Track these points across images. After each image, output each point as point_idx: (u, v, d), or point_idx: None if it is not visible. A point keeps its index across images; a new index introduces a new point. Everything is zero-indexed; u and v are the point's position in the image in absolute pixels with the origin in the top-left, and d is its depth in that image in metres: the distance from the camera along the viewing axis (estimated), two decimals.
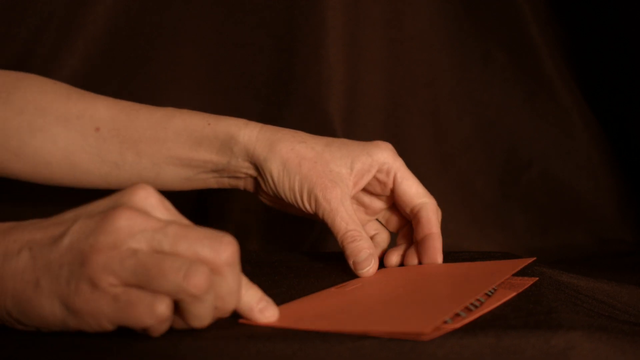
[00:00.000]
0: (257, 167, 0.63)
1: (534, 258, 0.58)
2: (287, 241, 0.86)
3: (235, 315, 0.47)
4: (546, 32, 0.91)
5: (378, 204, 0.67)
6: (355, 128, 0.87)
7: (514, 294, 0.51)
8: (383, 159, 0.63)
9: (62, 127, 0.65)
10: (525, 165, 0.92)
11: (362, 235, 0.60)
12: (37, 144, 0.65)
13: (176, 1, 0.84)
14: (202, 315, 0.42)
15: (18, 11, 0.80)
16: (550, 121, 0.92)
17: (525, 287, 0.53)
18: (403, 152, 0.88)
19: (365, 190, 0.66)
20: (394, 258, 0.64)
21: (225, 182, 0.67)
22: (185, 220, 0.44)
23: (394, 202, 0.66)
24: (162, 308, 0.41)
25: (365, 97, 0.88)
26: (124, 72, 0.83)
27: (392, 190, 0.64)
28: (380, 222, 0.69)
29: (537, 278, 0.55)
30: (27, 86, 0.66)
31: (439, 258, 0.61)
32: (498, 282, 0.53)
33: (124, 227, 0.41)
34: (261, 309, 0.46)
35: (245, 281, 0.46)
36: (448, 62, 0.91)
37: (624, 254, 0.87)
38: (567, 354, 0.41)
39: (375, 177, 0.64)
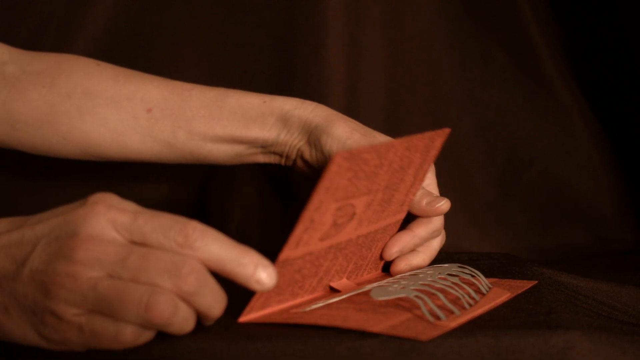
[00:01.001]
0: (310, 135, 0.64)
1: (448, 130, 0.56)
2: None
3: (234, 315, 0.47)
4: (546, 32, 0.91)
5: None
6: None
7: (508, 294, 0.51)
8: None
9: (112, 109, 0.65)
10: (525, 164, 0.92)
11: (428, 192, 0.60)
12: (87, 127, 0.65)
13: (176, 1, 0.84)
14: (178, 331, 0.42)
15: (18, 11, 0.80)
16: (550, 121, 0.92)
17: (524, 289, 0.53)
18: None
19: None
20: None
21: (271, 157, 0.68)
22: (145, 217, 0.42)
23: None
24: (127, 336, 0.41)
25: (365, 97, 0.88)
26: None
27: None
28: None
29: (537, 281, 0.55)
30: (72, 69, 0.66)
31: (388, 250, 0.59)
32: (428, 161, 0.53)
33: (81, 258, 0.40)
34: (257, 279, 0.43)
35: (238, 250, 0.43)
36: (448, 62, 0.91)
37: (624, 254, 0.87)
38: (567, 354, 0.41)
39: None
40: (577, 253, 0.88)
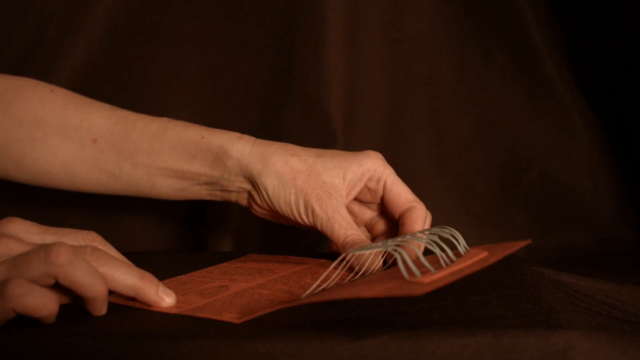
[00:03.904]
0: (252, 181, 0.64)
1: None
2: (285, 244, 0.86)
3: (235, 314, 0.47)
4: (546, 32, 0.91)
5: (368, 213, 0.68)
6: (356, 128, 0.87)
7: (486, 253, 0.52)
8: (374, 167, 0.64)
9: (60, 138, 0.66)
10: (525, 165, 0.92)
11: (361, 238, 0.61)
12: (37, 155, 0.67)
13: (176, 1, 0.84)
14: (87, 280, 0.46)
15: (18, 11, 0.80)
16: (550, 121, 0.92)
17: (517, 247, 0.53)
18: (403, 152, 0.89)
19: (356, 199, 0.67)
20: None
21: (218, 195, 0.68)
22: (51, 235, 0.51)
23: (383, 210, 0.67)
24: (12, 289, 0.44)
25: (365, 97, 0.88)
26: (124, 72, 0.83)
27: (382, 197, 0.65)
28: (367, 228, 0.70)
29: (530, 240, 0.55)
30: (26, 96, 0.67)
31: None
32: None
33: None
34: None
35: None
36: (448, 62, 0.91)
37: (623, 254, 0.87)
38: (567, 354, 0.41)
39: (366, 186, 0.65)
40: (577, 253, 0.88)
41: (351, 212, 0.68)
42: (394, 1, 0.88)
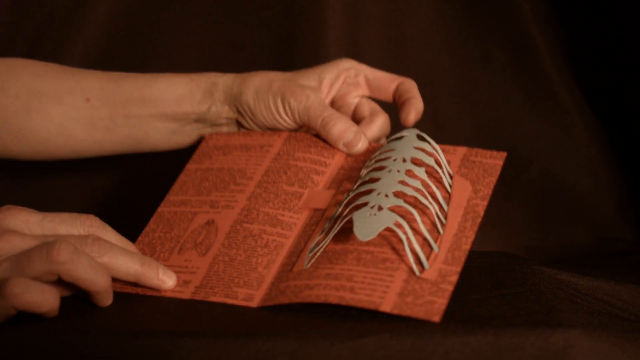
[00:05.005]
0: (236, 105, 0.67)
1: None
2: None
3: (236, 310, 0.47)
4: (546, 32, 0.91)
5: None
6: None
7: (470, 187, 0.55)
8: (349, 65, 0.68)
9: (55, 104, 0.68)
10: (525, 164, 0.92)
11: (340, 116, 0.63)
12: (35, 124, 0.68)
13: (176, 1, 0.84)
14: (89, 276, 0.47)
15: (18, 11, 0.80)
16: (550, 120, 0.92)
17: (497, 168, 0.58)
18: None
19: (340, 106, 0.69)
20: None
21: (208, 133, 0.70)
22: (52, 215, 0.52)
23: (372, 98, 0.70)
24: (11, 288, 0.44)
25: None
26: (123, 72, 0.83)
27: (368, 88, 0.69)
28: None
29: (505, 154, 0.59)
30: (20, 72, 0.69)
31: (412, 114, 0.66)
32: None
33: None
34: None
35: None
36: (448, 62, 0.91)
37: (624, 253, 0.87)
38: (567, 352, 0.41)
39: (345, 83, 0.68)
40: (577, 252, 0.88)
41: None
42: (394, 1, 0.88)
